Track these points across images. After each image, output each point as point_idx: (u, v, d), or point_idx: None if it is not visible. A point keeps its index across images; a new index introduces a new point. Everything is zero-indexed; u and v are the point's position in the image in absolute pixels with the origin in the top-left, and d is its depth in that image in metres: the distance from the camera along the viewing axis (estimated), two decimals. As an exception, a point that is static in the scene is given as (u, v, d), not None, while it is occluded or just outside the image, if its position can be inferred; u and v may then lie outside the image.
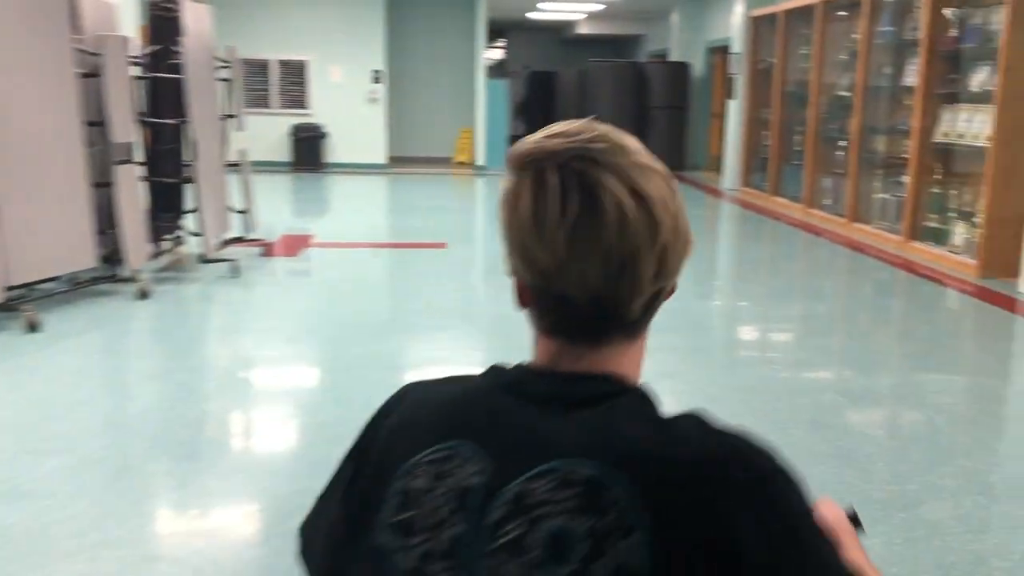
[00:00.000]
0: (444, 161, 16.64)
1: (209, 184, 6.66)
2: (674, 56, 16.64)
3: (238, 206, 7.39)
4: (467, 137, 16.64)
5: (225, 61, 7.26)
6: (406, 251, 7.99)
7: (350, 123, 15.28)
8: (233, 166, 7.41)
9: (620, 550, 0.70)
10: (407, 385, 0.92)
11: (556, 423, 0.78)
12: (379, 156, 15.41)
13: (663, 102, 15.81)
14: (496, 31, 22.13)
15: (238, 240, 7.45)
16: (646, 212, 0.80)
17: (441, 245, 8.05)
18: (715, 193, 12.98)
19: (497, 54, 23.75)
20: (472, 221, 10.44)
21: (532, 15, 19.14)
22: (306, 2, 14.96)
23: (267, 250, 7.43)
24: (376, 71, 15.18)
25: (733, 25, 12.92)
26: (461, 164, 16.45)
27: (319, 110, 15.23)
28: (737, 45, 12.78)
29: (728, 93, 13.10)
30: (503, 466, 0.77)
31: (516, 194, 0.82)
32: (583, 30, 20.66)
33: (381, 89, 15.24)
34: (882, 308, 6.69)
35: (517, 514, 0.74)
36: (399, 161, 16.07)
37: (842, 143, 9.74)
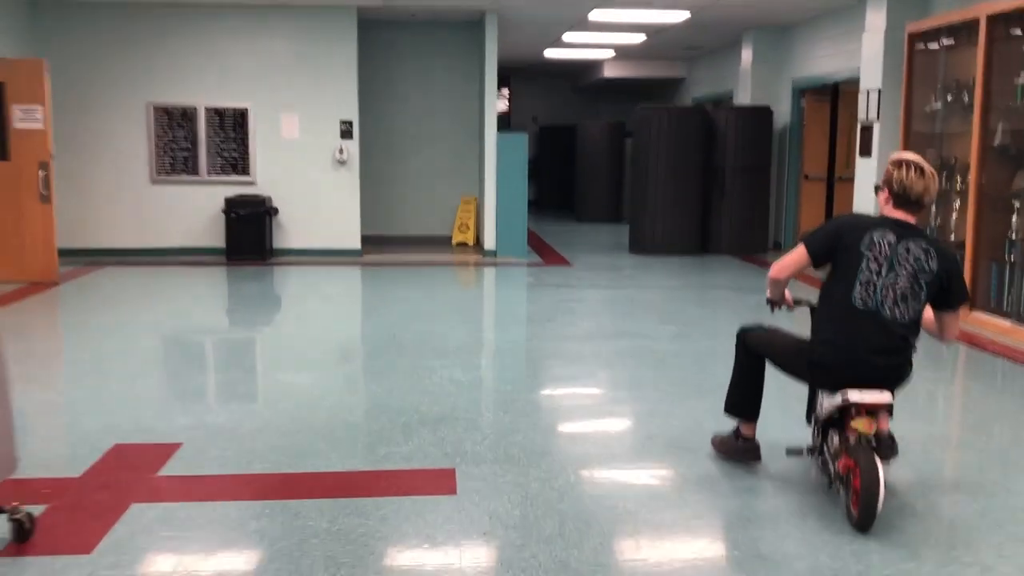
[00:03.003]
0: (440, 242, 12.35)
1: None
2: (741, 99, 12.50)
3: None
4: (468, 209, 12.38)
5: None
6: (363, 505, 3.58)
7: (309, 194, 11.00)
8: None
9: (931, 263, 3.35)
10: (842, 216, 3.77)
11: (911, 231, 3.41)
12: (350, 239, 11.10)
13: (738, 161, 11.60)
14: (498, 77, 18.12)
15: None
16: (934, 177, 3.44)
17: (446, 479, 3.69)
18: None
19: (499, 105, 19.64)
20: (495, 378, 5.80)
21: (551, 53, 15.03)
22: (244, 28, 10.78)
23: (27, 527, 3.06)
24: (346, 122, 10.96)
25: (867, 49, 8.74)
26: (461, 247, 12.17)
27: (265, 176, 10.95)
28: (872, 78, 8.60)
29: (864, 148, 8.85)
30: (899, 236, 3.37)
31: (907, 170, 3.39)
32: (609, 73, 16.59)
33: (352, 147, 11.01)
34: None
35: (905, 250, 3.36)
36: (377, 244, 11.76)
37: None
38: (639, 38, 13.15)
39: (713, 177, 11.69)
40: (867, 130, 8.75)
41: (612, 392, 5.16)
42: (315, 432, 4.32)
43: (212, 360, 6.13)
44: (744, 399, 3.83)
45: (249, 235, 10.61)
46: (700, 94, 15.65)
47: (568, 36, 12.99)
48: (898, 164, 3.40)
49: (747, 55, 12.28)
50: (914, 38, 8.02)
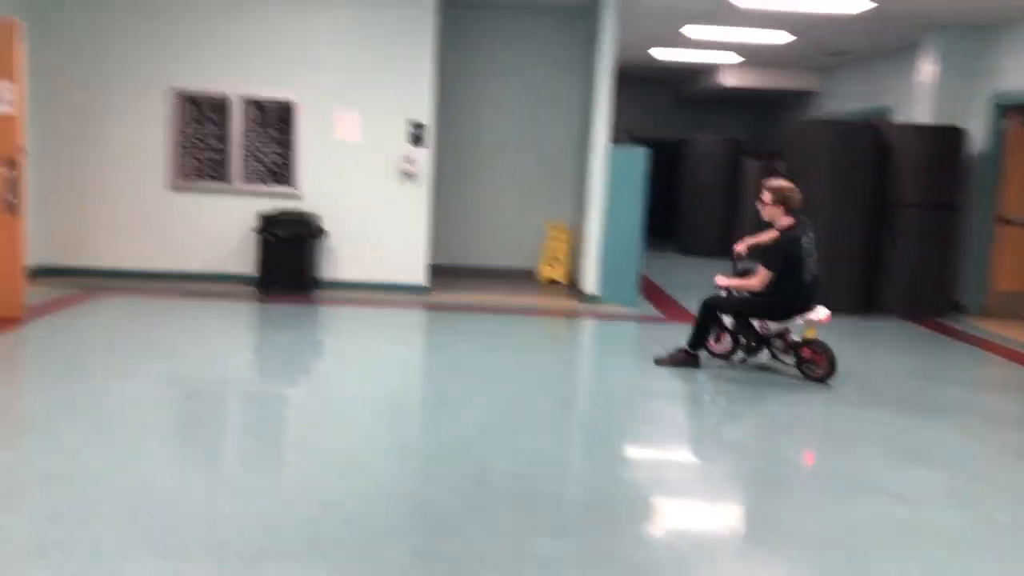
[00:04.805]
0: (521, 277, 9.94)
1: None
2: (913, 116, 9.84)
3: None
4: (559, 238, 9.94)
5: None
6: None
7: (366, 213, 8.68)
8: None
9: (814, 235, 6.13)
10: (786, 240, 6.01)
11: (803, 226, 6.06)
12: (414, 272, 8.74)
13: (917, 195, 8.95)
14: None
15: None
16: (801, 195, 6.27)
17: None
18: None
19: (591, 114, 17.12)
20: None
21: (659, 52, 12.51)
22: (294, 1, 8.53)
23: None
24: (416, 125, 8.61)
25: None
26: (552, 284, 9.73)
27: (313, 189, 8.65)
28: None
29: None
30: (804, 232, 6.02)
31: (796, 192, 6.04)
32: (727, 81, 14.00)
33: (423, 156, 8.65)
34: None
35: (808, 238, 6.04)
36: (446, 276, 9.41)
37: None
38: (784, 37, 10.57)
39: (883, 215, 9.06)
40: None
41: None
42: None
43: (129, 533, 3.72)
44: (702, 340, 6.23)
45: (287, 262, 8.31)
46: (840, 110, 12.98)
47: (688, 30, 10.47)
48: (789, 189, 6.02)
49: (929, 61, 9.62)
50: None
